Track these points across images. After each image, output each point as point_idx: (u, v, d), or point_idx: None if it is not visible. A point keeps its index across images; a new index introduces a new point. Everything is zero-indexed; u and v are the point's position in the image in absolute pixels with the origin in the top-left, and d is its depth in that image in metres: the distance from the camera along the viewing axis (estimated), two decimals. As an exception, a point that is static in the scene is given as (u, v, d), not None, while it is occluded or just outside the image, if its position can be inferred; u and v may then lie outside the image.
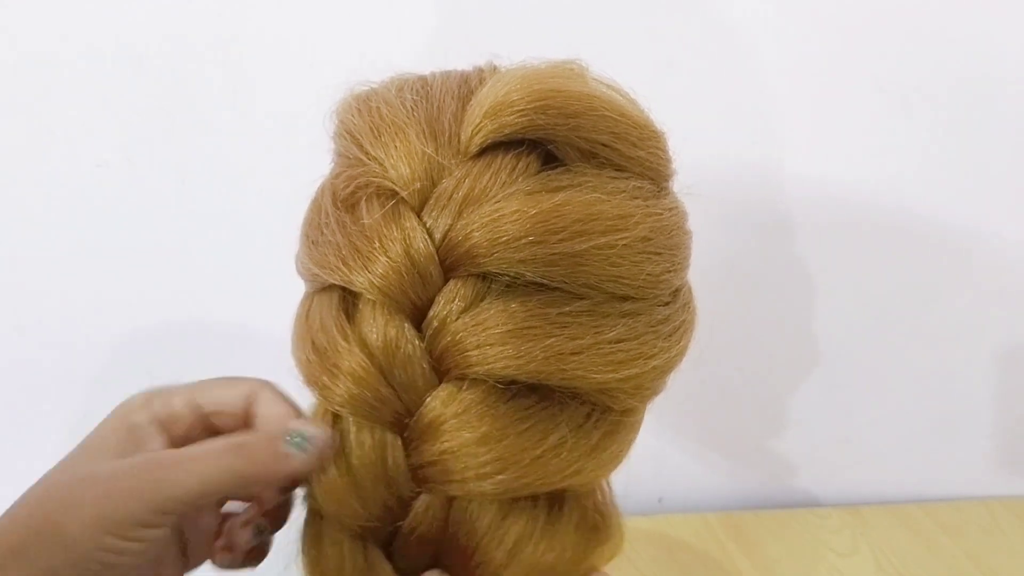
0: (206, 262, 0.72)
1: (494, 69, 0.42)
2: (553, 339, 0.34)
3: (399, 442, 0.36)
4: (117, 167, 0.69)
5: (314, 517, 0.37)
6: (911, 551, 0.79)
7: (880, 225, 0.78)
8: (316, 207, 0.40)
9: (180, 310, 0.74)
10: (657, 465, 0.83)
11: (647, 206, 0.37)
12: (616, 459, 0.39)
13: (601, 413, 0.37)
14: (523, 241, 0.34)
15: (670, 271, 0.39)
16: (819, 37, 0.71)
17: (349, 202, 0.38)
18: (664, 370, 0.39)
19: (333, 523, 0.36)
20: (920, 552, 0.79)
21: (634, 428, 0.40)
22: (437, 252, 0.35)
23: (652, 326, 0.37)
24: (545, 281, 0.35)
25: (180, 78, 0.67)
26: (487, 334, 0.34)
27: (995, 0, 0.72)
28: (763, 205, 0.76)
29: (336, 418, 0.36)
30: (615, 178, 0.37)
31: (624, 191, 0.37)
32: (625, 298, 0.37)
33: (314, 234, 0.39)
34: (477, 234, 0.34)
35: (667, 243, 0.38)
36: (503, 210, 0.34)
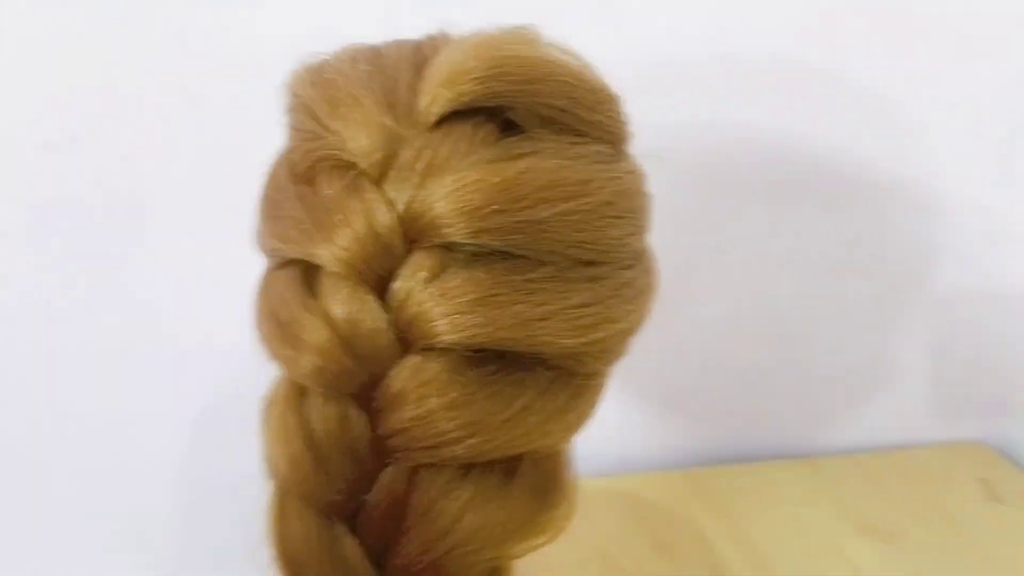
0: (156, 245, 0.71)
1: (446, 37, 0.42)
2: (520, 306, 0.35)
3: (363, 415, 0.36)
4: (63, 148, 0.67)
5: (279, 493, 0.37)
6: (869, 499, 0.81)
7: (829, 183, 0.79)
8: (273, 182, 0.40)
9: (129, 293, 0.73)
10: (619, 425, 0.85)
11: (608, 170, 0.37)
12: (581, 421, 0.39)
13: (567, 377, 0.38)
14: (487, 210, 0.34)
15: (632, 234, 0.39)
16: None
17: (308, 175, 0.37)
18: (628, 333, 0.40)
19: (297, 498, 0.36)
20: (878, 499, 0.81)
21: (599, 390, 0.40)
22: (400, 223, 0.35)
23: (616, 290, 0.38)
24: (510, 249, 0.35)
25: (125, 56, 0.66)
26: (454, 303, 0.34)
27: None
28: (718, 166, 0.77)
29: (301, 391, 0.36)
30: (575, 143, 0.37)
31: (584, 156, 0.37)
32: (589, 263, 0.37)
33: (272, 209, 0.39)
34: (440, 204, 0.34)
35: (628, 206, 0.39)
36: (465, 179, 0.34)
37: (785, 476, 0.84)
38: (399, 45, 0.41)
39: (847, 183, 0.80)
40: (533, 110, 0.37)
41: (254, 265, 0.40)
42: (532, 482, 0.37)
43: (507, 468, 0.37)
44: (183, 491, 0.80)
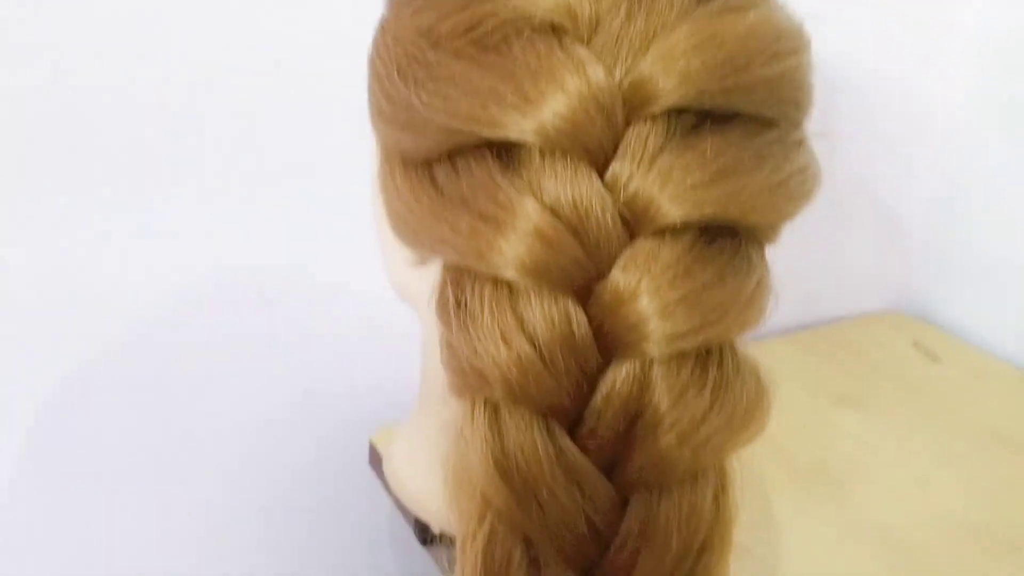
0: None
1: None
2: (760, 172, 0.32)
3: (583, 310, 0.32)
4: None
5: (488, 404, 0.32)
6: (818, 370, 0.85)
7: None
8: (407, 57, 0.34)
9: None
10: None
11: (800, 25, 0.35)
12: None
13: (762, 249, 0.35)
14: (723, 69, 0.31)
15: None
16: None
17: (483, 44, 0.32)
18: None
19: (519, 402, 0.32)
20: (826, 370, 0.85)
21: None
22: (619, 87, 0.31)
23: (811, 152, 0.36)
24: (741, 110, 0.32)
25: None
26: (690, 178, 0.31)
27: None
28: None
29: (511, 289, 0.31)
30: None
31: (784, 8, 0.34)
32: (798, 124, 0.35)
33: (428, 85, 0.33)
34: (665, 66, 0.30)
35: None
36: (696, 36, 0.30)
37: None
38: None
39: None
40: None
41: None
42: (749, 368, 0.34)
43: (728, 355, 0.34)
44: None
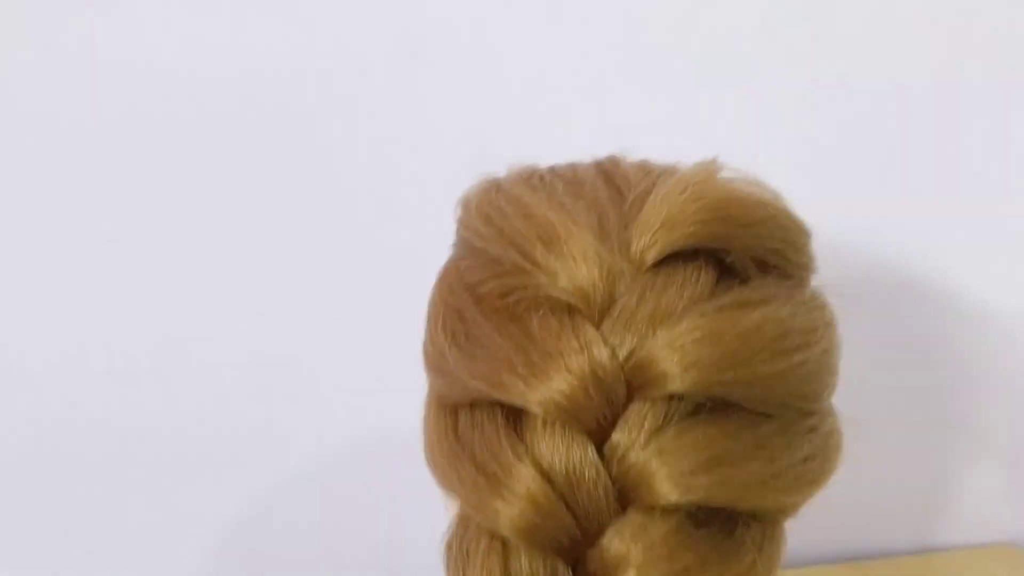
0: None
1: (617, 162, 0.41)
2: (755, 463, 0.33)
3: (570, 573, 0.33)
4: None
5: None
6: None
7: (872, 280, 0.79)
8: (452, 309, 0.38)
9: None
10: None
11: (824, 317, 0.36)
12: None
13: (773, 528, 0.36)
14: (722, 363, 0.32)
15: (836, 375, 0.38)
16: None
17: (511, 312, 0.35)
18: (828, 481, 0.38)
19: None
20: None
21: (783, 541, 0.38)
22: (622, 370, 0.33)
23: (827, 438, 0.36)
24: (740, 402, 0.33)
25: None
26: (684, 461, 0.32)
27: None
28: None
29: (504, 544, 0.34)
30: (791, 288, 0.36)
31: (804, 302, 0.36)
32: (810, 413, 0.35)
33: (460, 340, 0.36)
34: (668, 354, 0.32)
35: (837, 350, 0.37)
36: (698, 330, 0.32)
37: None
38: (584, 172, 0.39)
39: (884, 284, 0.80)
40: (752, 253, 0.35)
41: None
42: None
43: None
44: None
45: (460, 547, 0.35)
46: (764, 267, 0.36)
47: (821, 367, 0.35)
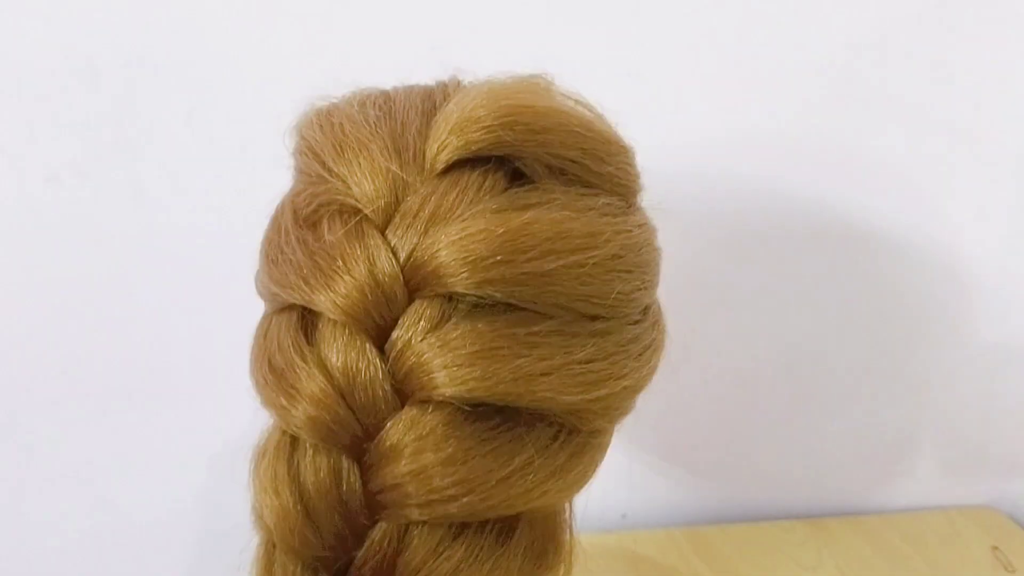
0: (163, 279, 0.71)
1: (458, 84, 0.41)
2: (522, 360, 0.34)
3: (356, 467, 0.34)
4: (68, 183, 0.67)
5: (266, 545, 0.35)
6: (874, 562, 0.79)
7: (847, 236, 0.78)
8: (276, 225, 0.39)
9: (137, 326, 0.72)
10: (621, 481, 0.83)
11: (617, 223, 0.37)
12: (582, 480, 0.38)
13: (568, 434, 0.36)
14: (491, 261, 0.33)
15: (640, 289, 0.38)
16: (795, 48, 0.72)
17: (311, 220, 0.37)
18: (634, 390, 0.38)
19: (285, 552, 0.35)
20: (883, 563, 0.79)
21: (601, 448, 0.39)
22: (402, 271, 0.34)
23: (622, 345, 0.37)
24: (513, 301, 0.34)
25: (136, 92, 0.66)
26: (453, 355, 0.33)
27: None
28: (730, 218, 0.76)
29: (293, 441, 0.35)
30: (584, 195, 0.36)
31: (593, 208, 0.36)
32: (595, 317, 0.36)
33: (273, 253, 0.38)
34: (443, 253, 0.33)
35: (637, 260, 0.38)
36: (470, 228, 0.33)
37: (791, 537, 0.82)
38: (409, 91, 0.40)
39: (860, 239, 0.79)
40: (542, 160, 0.36)
41: (261, 302, 0.40)
42: (528, 543, 0.36)
43: (502, 528, 0.35)
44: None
45: (260, 445, 0.36)
46: (558, 174, 0.36)
47: (604, 272, 0.36)
